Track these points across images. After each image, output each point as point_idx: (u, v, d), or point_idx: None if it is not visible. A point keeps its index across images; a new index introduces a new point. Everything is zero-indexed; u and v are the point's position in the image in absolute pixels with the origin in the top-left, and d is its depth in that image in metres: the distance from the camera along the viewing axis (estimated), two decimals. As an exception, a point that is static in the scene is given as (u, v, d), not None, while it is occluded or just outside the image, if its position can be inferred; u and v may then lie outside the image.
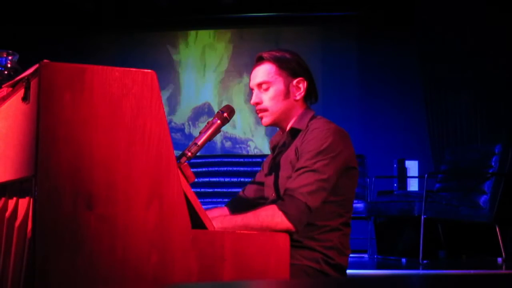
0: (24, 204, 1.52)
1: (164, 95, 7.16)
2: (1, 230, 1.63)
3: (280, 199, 1.85)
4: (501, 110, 6.19)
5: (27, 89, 1.47)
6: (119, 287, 1.37)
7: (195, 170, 2.15)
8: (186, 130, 7.39)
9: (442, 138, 6.45)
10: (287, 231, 1.77)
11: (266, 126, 2.11)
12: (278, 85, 2.03)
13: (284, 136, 2.08)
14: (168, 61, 7.42)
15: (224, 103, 1.98)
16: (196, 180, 1.56)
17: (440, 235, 5.20)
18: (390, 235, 5.25)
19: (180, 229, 1.43)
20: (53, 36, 7.08)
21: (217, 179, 6.45)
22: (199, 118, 7.37)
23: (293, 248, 1.74)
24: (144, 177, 1.41)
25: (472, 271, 4.19)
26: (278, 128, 2.16)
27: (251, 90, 2.09)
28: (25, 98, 1.48)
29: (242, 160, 6.63)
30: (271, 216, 1.78)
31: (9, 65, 1.89)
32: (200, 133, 1.80)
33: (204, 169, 6.47)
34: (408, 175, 6.13)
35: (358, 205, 5.40)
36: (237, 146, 7.31)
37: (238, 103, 7.20)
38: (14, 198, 1.61)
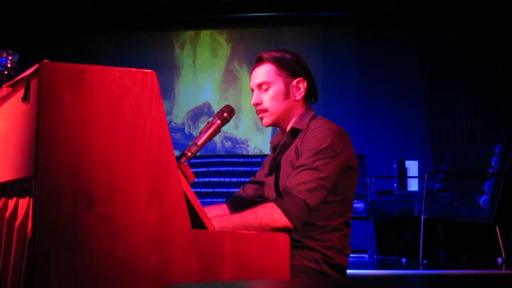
0: (24, 204, 1.52)
1: (164, 95, 7.16)
2: (1, 230, 1.63)
3: (279, 198, 1.85)
4: (501, 110, 6.20)
5: (27, 89, 1.47)
6: (119, 287, 1.37)
7: (195, 170, 2.15)
8: (186, 130, 7.39)
9: (442, 138, 6.45)
10: (285, 229, 1.77)
11: (267, 126, 2.11)
12: (278, 86, 2.03)
13: (285, 136, 2.08)
14: (168, 61, 7.42)
15: (224, 103, 1.98)
16: (196, 180, 1.56)
17: (440, 235, 5.20)
18: (390, 235, 5.25)
19: (180, 229, 1.43)
20: (53, 36, 7.08)
21: (217, 179, 6.45)
22: (199, 118, 7.37)
23: (293, 248, 1.74)
24: (144, 177, 1.41)
25: (472, 271, 4.19)
26: (278, 128, 2.16)
27: (252, 90, 2.09)
28: (25, 98, 1.48)
29: (242, 160, 6.63)
30: (270, 213, 1.78)
31: (9, 65, 1.89)
32: (200, 133, 1.80)
33: (204, 169, 6.47)
34: (408, 175, 6.13)
35: (358, 205, 5.40)
36: (237, 146, 7.31)
37: (238, 103, 7.20)
38: (14, 198, 1.61)
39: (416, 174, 6.30)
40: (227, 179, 6.44)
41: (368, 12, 6.98)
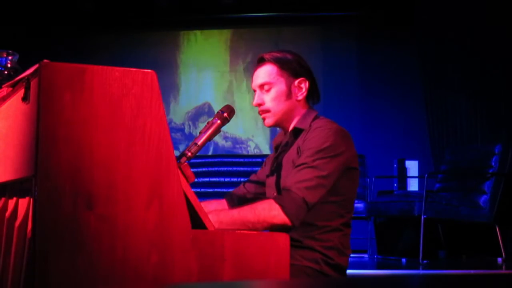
0: (24, 204, 1.52)
1: (164, 95, 7.16)
2: (1, 230, 1.63)
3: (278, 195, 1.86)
4: (501, 110, 6.20)
5: (27, 89, 1.47)
6: (119, 287, 1.37)
7: (195, 170, 2.15)
8: (186, 130, 7.39)
9: (442, 138, 6.45)
10: (283, 225, 1.78)
11: (269, 127, 2.12)
12: (279, 86, 2.03)
13: (287, 136, 2.08)
14: (168, 61, 7.42)
15: (224, 103, 1.98)
16: (196, 180, 1.56)
17: (440, 235, 5.20)
18: (390, 235, 5.25)
19: (180, 229, 1.43)
20: (53, 36, 7.08)
21: (217, 179, 6.46)
22: (199, 118, 7.37)
23: (293, 248, 1.74)
24: (144, 177, 1.41)
25: (472, 271, 4.19)
26: (277, 129, 2.16)
27: (254, 91, 2.09)
28: (25, 98, 1.48)
29: (242, 160, 6.63)
30: (268, 209, 1.79)
31: (9, 65, 1.89)
32: (200, 133, 1.80)
33: (204, 169, 6.47)
34: (408, 175, 6.13)
35: (358, 205, 5.40)
36: (237, 146, 7.31)
37: (238, 103, 7.20)
38: (14, 198, 1.61)
39: (416, 174, 6.31)
40: (227, 179, 6.44)
41: (368, 12, 6.98)
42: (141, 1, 7.11)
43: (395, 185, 6.16)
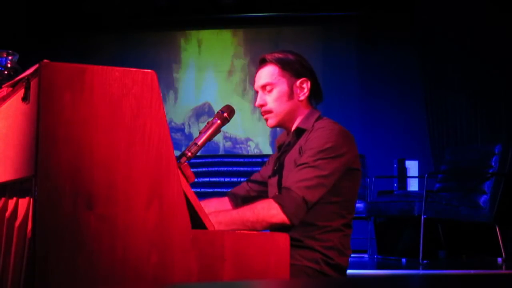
0: (24, 204, 1.52)
1: (164, 95, 7.16)
2: (1, 230, 1.63)
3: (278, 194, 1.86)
4: (501, 110, 6.20)
5: (27, 89, 1.47)
6: (119, 287, 1.37)
7: (195, 170, 2.15)
8: (186, 130, 7.38)
9: (442, 138, 6.45)
10: (282, 224, 1.78)
11: (272, 127, 2.12)
12: (281, 86, 2.04)
13: (290, 136, 2.08)
14: (168, 61, 7.42)
15: (224, 103, 1.98)
16: (196, 180, 1.56)
17: (440, 235, 5.20)
18: (390, 235, 5.25)
19: (180, 229, 1.43)
20: (53, 36, 7.08)
21: (217, 179, 6.45)
22: (199, 118, 7.37)
23: (293, 248, 1.74)
24: (144, 177, 1.41)
25: (472, 271, 4.19)
26: (277, 129, 2.17)
27: (256, 92, 2.09)
28: (25, 98, 1.48)
29: (242, 160, 6.63)
30: (267, 208, 1.80)
31: (9, 65, 1.89)
32: (200, 133, 1.80)
33: (204, 169, 6.47)
34: (408, 175, 6.13)
35: (358, 205, 5.39)
36: (237, 146, 7.31)
37: (238, 103, 7.20)
38: (14, 198, 1.61)
39: (416, 174, 6.30)
40: (227, 179, 6.44)
41: (368, 12, 6.98)
42: (141, 1, 7.12)
43: (395, 185, 6.16)
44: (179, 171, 1.46)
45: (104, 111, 1.39)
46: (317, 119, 2.03)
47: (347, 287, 0.96)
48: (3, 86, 1.68)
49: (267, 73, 2.05)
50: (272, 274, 1.51)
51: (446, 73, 6.45)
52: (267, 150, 7.18)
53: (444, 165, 5.41)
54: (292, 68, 2.05)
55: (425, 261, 4.57)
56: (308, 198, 1.83)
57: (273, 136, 7.10)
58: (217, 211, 1.89)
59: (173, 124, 7.31)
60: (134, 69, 1.43)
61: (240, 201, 2.16)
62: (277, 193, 2.01)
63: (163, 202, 1.42)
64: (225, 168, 6.51)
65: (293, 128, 2.07)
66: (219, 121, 1.82)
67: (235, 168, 6.50)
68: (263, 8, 7.17)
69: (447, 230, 5.21)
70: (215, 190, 6.31)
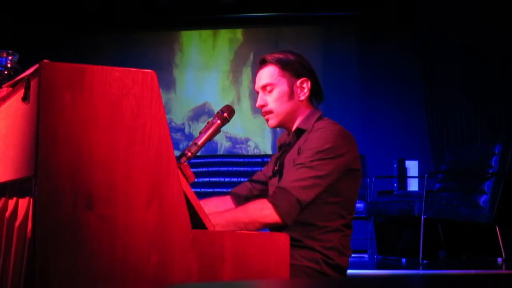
0: (24, 204, 1.52)
1: (164, 95, 7.16)
2: (1, 230, 1.63)
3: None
4: (501, 110, 6.19)
5: (27, 89, 1.47)
6: (119, 287, 1.37)
7: (195, 170, 2.15)
8: (186, 130, 7.38)
9: (442, 138, 6.45)
10: (276, 224, 1.79)
11: (273, 127, 2.12)
12: (282, 87, 2.04)
13: (290, 136, 2.08)
14: (168, 61, 7.42)
15: (224, 103, 1.98)
16: (196, 180, 1.56)
17: (440, 235, 5.20)
18: (390, 235, 5.25)
19: (180, 229, 1.43)
20: (53, 36, 7.08)
21: (217, 179, 6.45)
22: (199, 118, 7.37)
23: (293, 248, 1.74)
24: (144, 177, 1.41)
25: (472, 271, 4.19)
26: (278, 129, 2.17)
27: (257, 93, 2.10)
28: (25, 98, 1.48)
29: (242, 160, 6.63)
30: (260, 209, 1.81)
31: (9, 65, 1.89)
32: (200, 133, 1.80)
33: (204, 169, 6.47)
34: (408, 175, 6.13)
35: (358, 205, 5.39)
36: (237, 146, 7.31)
37: (238, 103, 7.20)
38: (14, 198, 1.61)
39: (416, 174, 6.31)
40: (227, 179, 6.44)
41: (368, 12, 6.98)
42: (141, 1, 7.11)
43: (395, 185, 6.16)
44: (179, 171, 1.46)
45: (104, 111, 1.39)
46: (317, 119, 2.03)
47: (347, 287, 0.96)
48: (3, 86, 1.68)
49: (267, 74, 2.06)
50: (272, 274, 1.51)
51: (446, 73, 6.45)
52: (267, 150, 7.18)
53: (444, 165, 5.41)
54: (292, 68, 2.05)
55: (425, 261, 4.57)
56: (302, 198, 1.84)
57: (273, 136, 7.11)
58: (211, 213, 1.89)
59: (173, 124, 7.31)
60: (134, 69, 1.43)
61: (242, 200, 2.16)
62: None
63: (163, 202, 1.42)
64: (225, 168, 6.51)
65: (294, 128, 2.07)
66: (219, 121, 1.82)
67: (235, 168, 6.50)
68: (263, 8, 7.17)
69: (447, 230, 5.21)
70: (215, 190, 6.31)
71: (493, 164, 4.91)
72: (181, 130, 7.38)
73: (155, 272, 1.40)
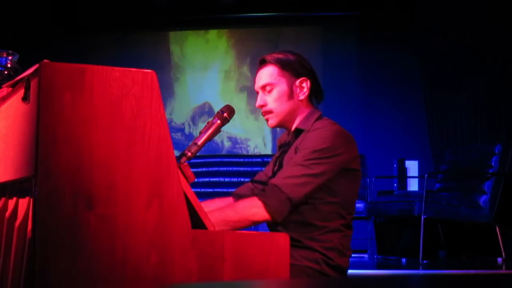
0: (24, 204, 1.52)
1: (164, 95, 7.16)
2: (1, 230, 1.63)
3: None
4: (501, 110, 6.20)
5: (27, 89, 1.47)
6: (119, 287, 1.37)
7: (195, 170, 2.15)
8: (186, 130, 7.38)
9: (442, 138, 6.45)
10: (265, 222, 1.82)
11: (272, 127, 2.12)
12: (281, 86, 2.04)
13: (290, 136, 2.09)
14: (168, 61, 7.42)
15: (224, 103, 1.98)
16: (196, 180, 1.56)
17: (440, 235, 5.20)
18: (390, 235, 5.25)
19: (180, 229, 1.43)
20: (53, 36, 7.08)
21: (217, 179, 6.46)
22: (199, 118, 7.37)
23: (293, 248, 1.74)
24: (144, 177, 1.41)
25: (472, 271, 4.19)
26: (278, 129, 2.17)
27: (256, 93, 2.10)
28: (25, 98, 1.48)
29: (242, 160, 6.63)
30: (249, 207, 1.82)
31: (9, 65, 1.89)
32: (200, 133, 1.80)
33: (204, 169, 6.47)
34: (408, 175, 6.13)
35: (358, 205, 5.39)
36: (237, 146, 7.31)
37: (238, 103, 7.20)
38: (14, 198, 1.61)
39: (416, 174, 6.31)
40: (227, 179, 6.44)
41: (368, 12, 6.98)
42: (141, 1, 7.12)
43: (395, 185, 6.16)
44: (179, 171, 1.46)
45: (104, 111, 1.39)
46: (316, 119, 2.03)
47: (347, 287, 0.96)
48: (3, 86, 1.68)
49: (266, 74, 2.06)
50: (272, 274, 1.51)
51: (446, 73, 6.45)
52: (267, 150, 7.18)
53: (444, 165, 5.41)
54: (292, 68, 2.05)
55: (425, 261, 4.57)
56: (293, 196, 1.84)
57: (273, 136, 7.11)
58: None
59: (173, 124, 7.31)
60: (134, 69, 1.43)
61: None
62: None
63: (163, 202, 1.42)
64: (225, 168, 6.51)
65: (293, 128, 2.07)
66: (219, 121, 1.82)
67: (235, 168, 6.50)
68: (263, 8, 7.17)
69: (447, 230, 5.21)
70: (215, 190, 6.31)
71: (493, 164, 4.91)
72: (181, 130, 7.38)
73: (155, 272, 1.40)
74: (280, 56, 2.06)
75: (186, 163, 1.56)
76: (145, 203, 1.41)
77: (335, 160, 1.90)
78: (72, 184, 1.36)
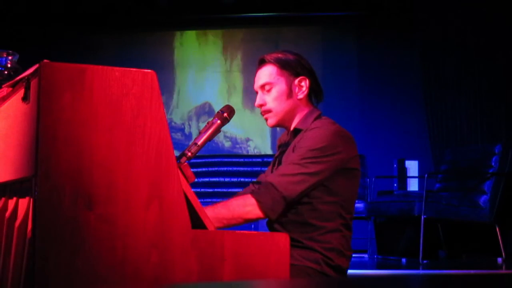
0: (24, 204, 1.52)
1: (165, 95, 7.16)
2: (1, 230, 1.63)
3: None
4: (501, 110, 6.20)
5: (27, 89, 1.47)
6: (119, 287, 1.37)
7: (195, 170, 2.15)
8: (186, 130, 7.38)
9: (442, 138, 6.45)
10: (259, 219, 1.83)
11: (272, 127, 2.12)
12: (280, 85, 2.04)
13: (289, 136, 2.09)
14: (168, 61, 7.42)
15: (224, 103, 1.99)
16: (196, 180, 1.56)
17: (440, 235, 5.20)
18: (390, 235, 5.25)
19: (180, 229, 1.43)
20: (53, 36, 7.08)
21: (217, 179, 6.46)
22: (199, 118, 7.37)
23: (293, 248, 1.74)
24: (144, 177, 1.41)
25: (472, 271, 4.19)
26: (277, 129, 2.17)
27: (256, 92, 2.10)
28: (25, 98, 1.48)
29: (242, 160, 6.63)
30: (243, 205, 1.83)
31: (9, 65, 1.89)
32: (200, 133, 1.80)
33: (204, 169, 6.47)
34: (408, 175, 6.13)
35: (358, 205, 5.40)
36: (237, 146, 7.31)
37: (238, 103, 7.20)
38: (14, 198, 1.61)
39: (416, 174, 6.31)
40: (227, 179, 6.44)
41: (368, 12, 6.98)
42: (141, 1, 7.12)
43: (395, 185, 6.16)
44: (179, 171, 1.46)
45: (104, 111, 1.39)
46: (315, 118, 2.03)
47: (347, 287, 0.96)
48: (3, 86, 1.68)
49: (265, 73, 2.06)
50: (272, 274, 1.51)
51: (446, 73, 6.45)
52: (267, 150, 7.18)
53: (444, 165, 5.41)
54: (291, 67, 2.05)
55: (425, 261, 4.57)
56: (287, 194, 1.84)
57: (273, 136, 7.11)
58: None
59: (173, 124, 7.31)
60: (134, 69, 1.43)
61: None
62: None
63: (163, 202, 1.42)
64: (225, 168, 6.51)
65: (292, 127, 2.07)
66: (219, 121, 1.82)
67: (235, 168, 6.50)
68: (263, 8, 7.17)
69: (447, 230, 5.21)
70: (215, 190, 6.31)
71: (493, 164, 4.91)
72: (181, 130, 7.38)
73: (155, 272, 1.40)
74: (279, 55, 2.07)
75: (186, 163, 1.56)
76: (145, 203, 1.41)
77: (332, 159, 1.90)
78: (72, 184, 1.36)
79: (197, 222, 1.49)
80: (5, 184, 1.68)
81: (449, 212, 4.73)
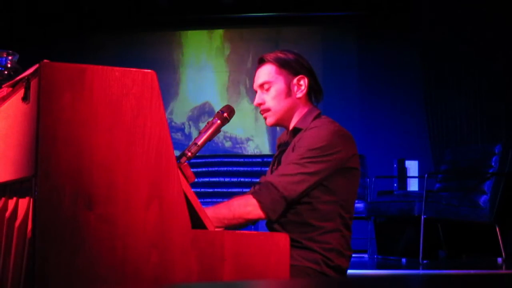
0: (24, 204, 1.52)
1: (164, 95, 7.15)
2: (1, 230, 1.63)
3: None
4: (501, 110, 6.20)
5: (27, 89, 1.47)
6: (119, 287, 1.37)
7: (195, 170, 2.15)
8: (186, 130, 7.39)
9: (442, 138, 6.45)
10: (259, 219, 1.83)
11: (271, 126, 2.12)
12: (279, 84, 2.04)
13: (288, 136, 2.09)
14: (168, 61, 7.42)
15: (224, 103, 1.99)
16: (196, 180, 1.56)
17: (440, 235, 5.20)
18: (390, 235, 5.25)
19: (180, 229, 1.43)
20: (53, 36, 7.08)
21: (217, 179, 6.46)
22: (199, 118, 7.37)
23: (293, 249, 1.74)
24: (144, 177, 1.41)
25: (472, 271, 4.19)
26: (278, 129, 2.17)
27: (255, 92, 2.10)
28: (25, 98, 1.48)
29: (242, 160, 6.63)
30: (244, 205, 1.83)
31: (9, 65, 1.89)
32: (200, 133, 1.80)
33: (204, 169, 6.47)
34: (408, 175, 6.13)
35: (358, 205, 5.40)
36: (237, 146, 7.31)
37: (238, 102, 7.20)
38: (14, 198, 1.61)
39: (416, 174, 6.31)
40: (227, 179, 6.44)
41: (368, 12, 6.99)
42: (141, 1, 7.12)
43: (395, 185, 6.16)
44: (179, 171, 1.46)
45: (104, 111, 1.39)
46: (315, 118, 2.03)
47: (347, 287, 0.96)
48: (3, 86, 1.68)
49: (265, 72, 2.06)
50: (272, 274, 1.51)
51: (446, 73, 6.45)
52: (267, 150, 7.18)
53: (444, 165, 5.42)
54: (290, 66, 2.05)
55: (425, 261, 4.57)
56: (287, 194, 1.85)
57: (273, 136, 7.11)
58: None
59: (173, 124, 7.31)
60: (134, 69, 1.43)
61: None
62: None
63: (163, 202, 1.42)
64: (225, 168, 6.51)
65: (291, 127, 2.07)
66: (219, 121, 1.82)
67: (235, 168, 6.50)
68: (263, 8, 7.18)
69: (447, 230, 5.21)
70: (215, 190, 6.31)
71: (493, 164, 4.91)
72: (181, 130, 7.38)
73: (155, 272, 1.40)
74: (278, 55, 2.07)
75: (186, 163, 1.56)
76: (145, 203, 1.41)
77: (331, 158, 1.90)
78: (72, 184, 1.36)
79: (197, 222, 1.49)
80: (5, 184, 1.68)
81: (449, 212, 4.73)
